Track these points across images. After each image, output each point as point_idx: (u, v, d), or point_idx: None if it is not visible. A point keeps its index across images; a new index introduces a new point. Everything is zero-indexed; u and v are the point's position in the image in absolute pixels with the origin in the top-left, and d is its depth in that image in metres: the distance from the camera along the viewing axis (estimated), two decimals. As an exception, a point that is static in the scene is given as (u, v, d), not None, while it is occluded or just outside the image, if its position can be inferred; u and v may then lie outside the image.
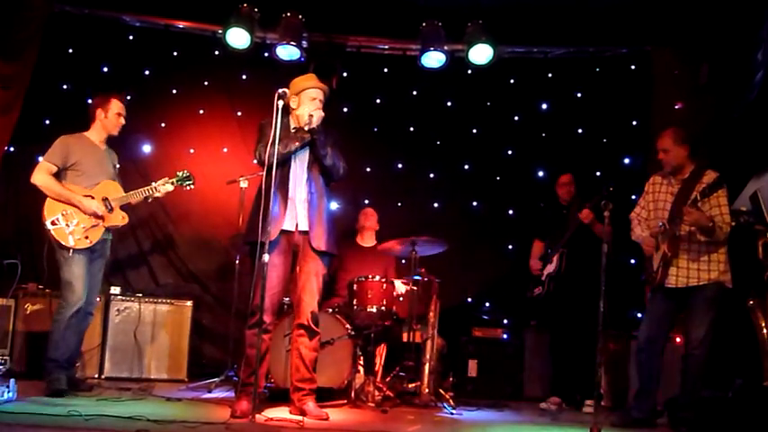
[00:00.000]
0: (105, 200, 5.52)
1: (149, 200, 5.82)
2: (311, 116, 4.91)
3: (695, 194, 4.99)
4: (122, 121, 5.71)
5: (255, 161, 5.03)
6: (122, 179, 5.85)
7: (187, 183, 5.97)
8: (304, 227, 4.96)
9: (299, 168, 5.01)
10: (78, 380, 5.60)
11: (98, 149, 5.67)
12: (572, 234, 6.40)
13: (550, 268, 6.50)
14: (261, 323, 4.56)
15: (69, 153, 5.49)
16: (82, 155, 5.53)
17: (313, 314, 4.96)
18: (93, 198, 5.47)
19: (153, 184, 5.80)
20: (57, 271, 5.42)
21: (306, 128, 4.92)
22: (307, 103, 5.05)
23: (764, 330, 5.35)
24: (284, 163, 4.91)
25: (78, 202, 5.40)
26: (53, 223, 5.34)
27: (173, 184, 5.86)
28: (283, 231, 4.91)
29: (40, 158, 5.56)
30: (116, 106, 5.67)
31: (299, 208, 4.96)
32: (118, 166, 5.86)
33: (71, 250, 5.33)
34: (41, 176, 5.40)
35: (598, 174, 7.50)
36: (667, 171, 5.36)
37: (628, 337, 6.45)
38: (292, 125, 5.06)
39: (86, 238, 5.41)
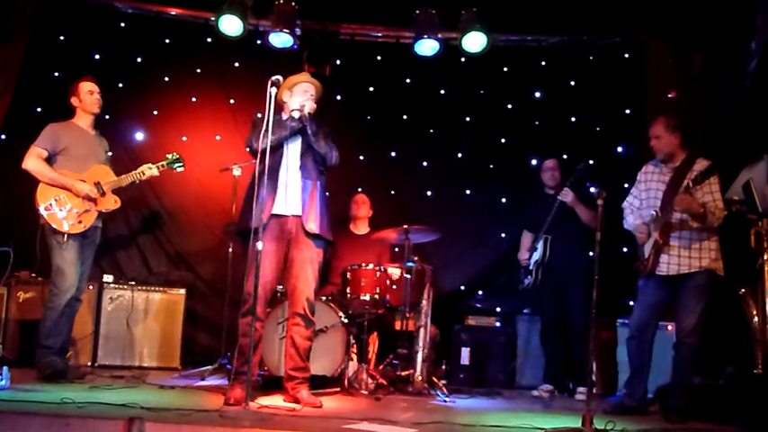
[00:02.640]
0: (97, 184, 5.52)
1: (135, 183, 5.85)
2: (302, 105, 4.96)
3: (687, 182, 5.01)
4: (97, 97, 5.70)
5: (247, 150, 5.02)
6: (115, 166, 5.85)
7: (177, 165, 6.03)
8: (297, 211, 4.96)
9: (292, 156, 5.02)
10: (71, 367, 5.59)
11: (87, 134, 5.67)
12: (555, 219, 6.41)
13: (537, 256, 6.52)
14: (254, 311, 4.56)
15: (59, 138, 5.49)
16: (71, 140, 5.53)
17: (309, 302, 4.96)
18: (84, 182, 5.47)
19: (142, 167, 5.82)
20: (49, 258, 5.41)
21: (296, 115, 4.94)
22: (299, 94, 5.08)
23: (756, 318, 5.37)
24: (276, 151, 4.89)
25: (71, 186, 5.41)
26: (46, 209, 5.34)
27: (162, 166, 5.91)
28: (274, 216, 4.91)
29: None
30: (85, 86, 5.67)
31: (292, 193, 4.96)
32: (109, 152, 5.86)
33: (65, 235, 5.34)
34: (32, 161, 5.40)
35: (591, 162, 7.51)
36: (659, 158, 5.37)
37: (619, 325, 6.48)
38: (285, 118, 5.07)
39: (80, 222, 5.42)
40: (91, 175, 5.54)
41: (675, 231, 5.16)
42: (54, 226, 5.33)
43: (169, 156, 6.00)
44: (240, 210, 5.14)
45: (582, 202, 6.33)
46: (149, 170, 5.83)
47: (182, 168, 6.06)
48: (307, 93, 5.10)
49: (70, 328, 5.62)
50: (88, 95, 5.66)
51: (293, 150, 5.03)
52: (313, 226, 4.95)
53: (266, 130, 4.53)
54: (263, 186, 4.67)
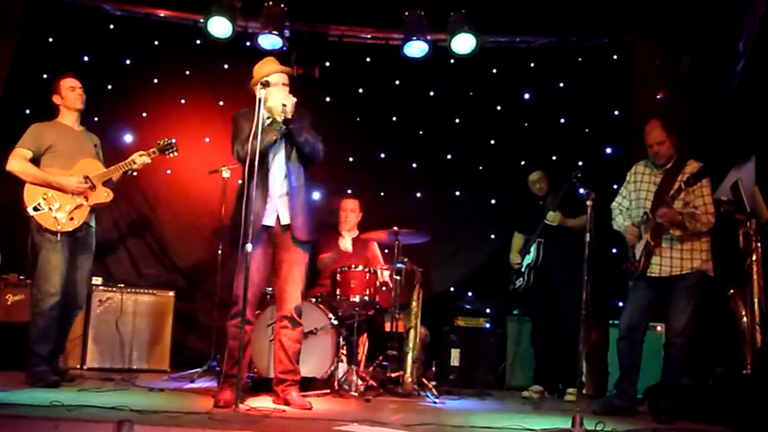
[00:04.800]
0: (86, 178, 5.41)
1: (133, 173, 5.68)
2: (284, 105, 4.75)
3: (679, 184, 5.00)
4: (79, 92, 5.58)
5: (235, 158, 4.95)
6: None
7: (169, 150, 5.74)
8: (285, 220, 4.91)
9: (278, 162, 4.94)
10: (60, 370, 5.54)
11: (73, 131, 5.55)
12: (546, 226, 6.44)
13: (529, 259, 6.54)
14: (243, 314, 4.54)
15: (42, 137, 5.37)
16: (56, 137, 5.41)
17: (296, 305, 4.93)
18: (72, 176, 5.37)
19: (133, 156, 5.60)
20: (36, 259, 5.33)
21: (280, 118, 4.81)
22: (273, 91, 4.82)
23: (745, 319, 5.40)
24: (262, 157, 4.71)
25: (58, 183, 5.28)
26: (36, 209, 5.22)
27: (154, 153, 5.67)
28: (263, 226, 4.87)
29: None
30: (66, 83, 5.56)
31: (280, 203, 4.91)
32: (98, 147, 5.71)
33: (58, 234, 5.23)
34: (15, 162, 5.28)
35: (580, 163, 7.53)
36: (660, 162, 5.31)
37: (608, 326, 6.49)
38: (265, 115, 4.85)
39: (72, 219, 5.30)
40: (79, 169, 5.41)
41: (667, 233, 5.16)
42: (45, 225, 5.21)
43: (161, 141, 5.72)
44: (231, 219, 5.06)
45: (569, 217, 6.35)
46: (141, 158, 5.57)
47: (175, 154, 5.78)
48: (279, 84, 4.91)
49: (64, 335, 5.57)
50: (70, 92, 5.55)
51: (279, 155, 4.95)
52: (302, 234, 4.91)
53: (255, 137, 4.48)
54: (251, 196, 4.60)
